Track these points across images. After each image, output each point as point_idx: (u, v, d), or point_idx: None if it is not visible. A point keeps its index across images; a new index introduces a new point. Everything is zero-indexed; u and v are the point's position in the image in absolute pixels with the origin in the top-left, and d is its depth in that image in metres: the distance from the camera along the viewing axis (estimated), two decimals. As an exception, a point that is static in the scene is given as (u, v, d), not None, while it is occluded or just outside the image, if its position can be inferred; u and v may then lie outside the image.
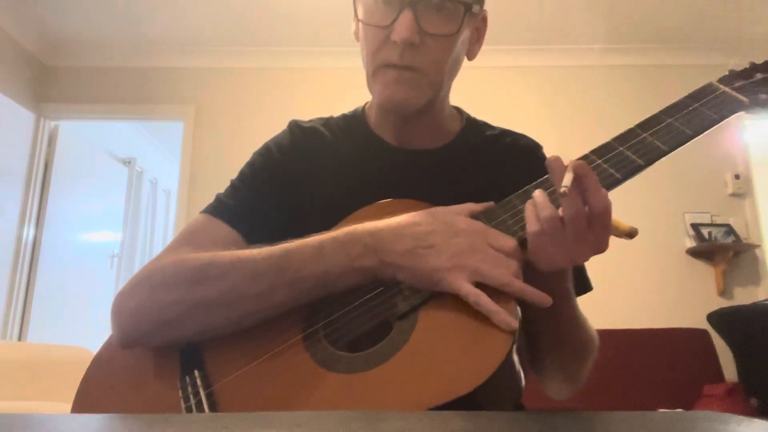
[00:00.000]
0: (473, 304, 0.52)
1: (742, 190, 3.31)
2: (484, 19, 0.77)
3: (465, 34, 0.72)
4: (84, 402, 0.62)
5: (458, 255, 0.54)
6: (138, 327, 0.62)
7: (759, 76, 0.64)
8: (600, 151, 0.59)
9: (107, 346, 0.66)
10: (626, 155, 0.58)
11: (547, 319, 0.63)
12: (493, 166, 0.78)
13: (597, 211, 0.51)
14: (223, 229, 0.71)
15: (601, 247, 0.53)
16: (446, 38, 0.68)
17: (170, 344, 0.62)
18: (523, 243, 0.56)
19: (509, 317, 0.51)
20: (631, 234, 0.55)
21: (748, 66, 0.65)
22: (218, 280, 0.60)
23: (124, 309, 0.63)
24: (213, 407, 0.56)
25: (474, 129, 0.82)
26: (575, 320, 0.66)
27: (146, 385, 0.61)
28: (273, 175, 0.77)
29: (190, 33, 3.49)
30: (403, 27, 0.65)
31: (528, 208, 0.55)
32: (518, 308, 0.54)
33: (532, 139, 0.83)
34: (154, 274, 0.64)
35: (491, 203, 0.60)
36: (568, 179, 0.50)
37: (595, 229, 0.52)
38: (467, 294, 0.52)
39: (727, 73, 0.65)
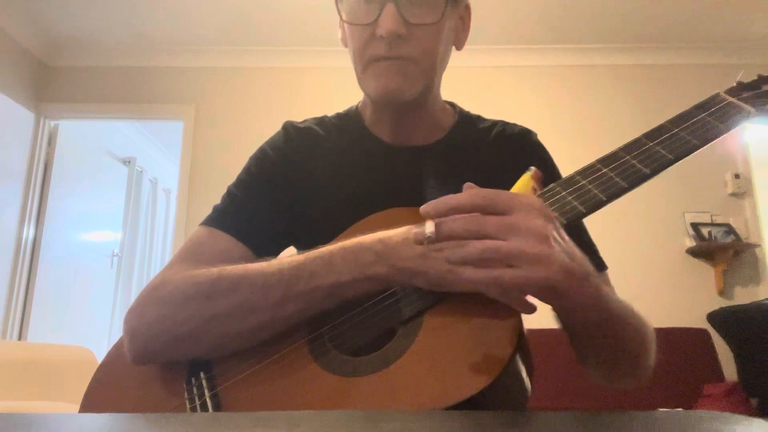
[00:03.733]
0: (495, 295, 0.51)
1: (742, 189, 3.31)
2: (467, 7, 0.78)
3: (450, 22, 0.73)
4: (92, 404, 0.63)
5: (470, 254, 0.54)
6: (150, 345, 0.61)
7: (766, 87, 0.64)
8: (606, 160, 0.60)
9: (116, 349, 0.66)
10: (632, 164, 0.58)
11: (586, 337, 0.58)
12: (487, 158, 0.78)
13: (477, 203, 0.48)
14: (225, 240, 0.71)
15: (539, 211, 0.48)
16: (431, 27, 0.69)
17: (183, 360, 0.62)
18: None
19: (531, 302, 0.52)
20: (535, 176, 0.57)
21: (756, 78, 0.65)
22: (229, 294, 0.59)
23: (135, 328, 0.62)
24: (217, 409, 0.57)
25: (467, 122, 0.82)
26: (617, 331, 0.58)
27: (154, 386, 0.62)
28: (270, 178, 0.77)
29: (190, 33, 3.49)
30: (388, 20, 0.66)
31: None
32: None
33: (523, 127, 0.83)
34: (163, 291, 0.64)
35: None
36: (430, 227, 0.49)
37: (509, 215, 0.47)
38: (487, 287, 0.51)
39: (734, 84, 0.66)
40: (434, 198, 0.63)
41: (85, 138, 3.86)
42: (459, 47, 0.79)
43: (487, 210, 0.48)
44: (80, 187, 3.80)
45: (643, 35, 3.45)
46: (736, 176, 3.32)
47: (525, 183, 0.57)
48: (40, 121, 3.56)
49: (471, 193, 0.49)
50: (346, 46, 0.76)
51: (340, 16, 0.73)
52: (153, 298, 0.64)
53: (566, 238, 0.50)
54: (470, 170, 0.77)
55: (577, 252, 0.51)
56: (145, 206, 4.72)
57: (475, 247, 0.47)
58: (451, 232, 0.49)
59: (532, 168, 0.58)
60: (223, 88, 3.62)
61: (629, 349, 0.61)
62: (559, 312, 0.54)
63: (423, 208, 0.50)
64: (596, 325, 0.54)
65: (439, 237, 0.49)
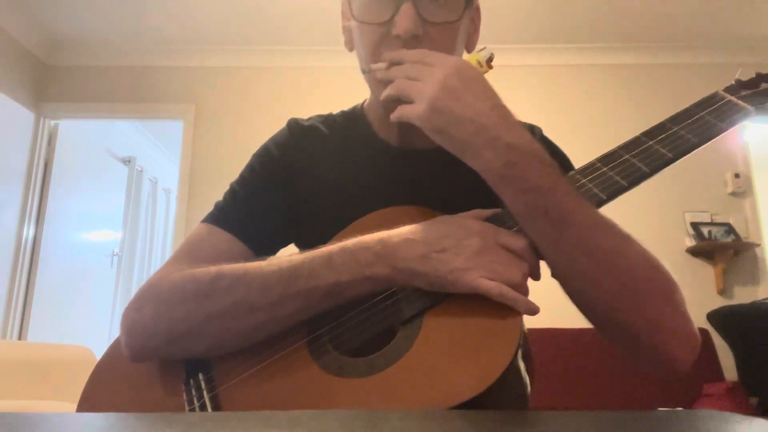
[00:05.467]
0: (497, 297, 0.51)
1: (742, 189, 3.31)
2: (477, 9, 0.76)
3: (465, 23, 0.71)
4: (89, 404, 0.62)
5: (472, 256, 0.53)
6: (147, 342, 0.61)
7: (765, 85, 0.64)
8: (606, 159, 0.59)
9: (113, 349, 0.66)
10: (632, 163, 0.58)
11: (555, 256, 0.55)
12: None
13: (416, 57, 0.59)
14: (226, 239, 0.71)
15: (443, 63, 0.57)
16: (449, 26, 0.67)
17: (181, 358, 0.62)
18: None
19: (533, 304, 0.52)
20: (490, 59, 0.65)
21: (754, 76, 0.65)
22: (228, 293, 0.59)
23: (132, 325, 0.62)
24: (217, 410, 0.56)
25: None
26: (588, 247, 0.53)
27: (152, 387, 0.62)
28: (273, 176, 0.76)
29: (190, 32, 3.48)
30: (406, 19, 0.63)
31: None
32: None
33: (525, 123, 0.80)
34: (161, 289, 0.63)
35: (499, 209, 0.60)
36: (380, 65, 0.63)
37: (429, 67, 0.57)
38: (489, 289, 0.52)
39: (733, 82, 0.65)
40: (435, 202, 0.63)
41: (85, 138, 3.85)
42: (470, 50, 0.77)
43: (421, 62, 0.59)
44: (80, 187, 3.80)
45: (642, 35, 3.45)
46: (736, 176, 3.32)
47: (471, 57, 0.65)
48: (40, 121, 3.55)
49: (416, 50, 0.61)
50: (350, 50, 0.74)
51: (352, 14, 0.70)
52: (151, 295, 0.64)
53: (495, 103, 0.55)
54: (474, 174, 0.76)
55: (518, 128, 0.55)
56: (145, 206, 4.72)
57: (393, 85, 0.60)
58: (389, 74, 0.61)
59: (486, 48, 0.67)
60: (223, 88, 3.61)
61: (624, 276, 0.54)
62: (500, 191, 0.55)
63: (385, 55, 0.63)
64: (552, 220, 0.52)
65: (385, 74, 0.62)
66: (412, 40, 0.64)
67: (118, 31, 3.48)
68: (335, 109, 0.85)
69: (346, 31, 0.75)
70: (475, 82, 0.56)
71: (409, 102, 0.57)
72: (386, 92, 0.61)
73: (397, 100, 0.59)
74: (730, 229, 3.25)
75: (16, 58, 3.41)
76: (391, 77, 0.60)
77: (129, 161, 4.40)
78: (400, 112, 0.58)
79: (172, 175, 4.62)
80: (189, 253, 0.70)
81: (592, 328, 0.59)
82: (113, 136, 4.21)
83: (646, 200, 3.18)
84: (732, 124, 0.59)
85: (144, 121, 4.22)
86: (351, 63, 0.76)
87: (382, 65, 0.63)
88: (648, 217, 3.21)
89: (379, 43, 0.67)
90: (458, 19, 0.67)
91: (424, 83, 0.56)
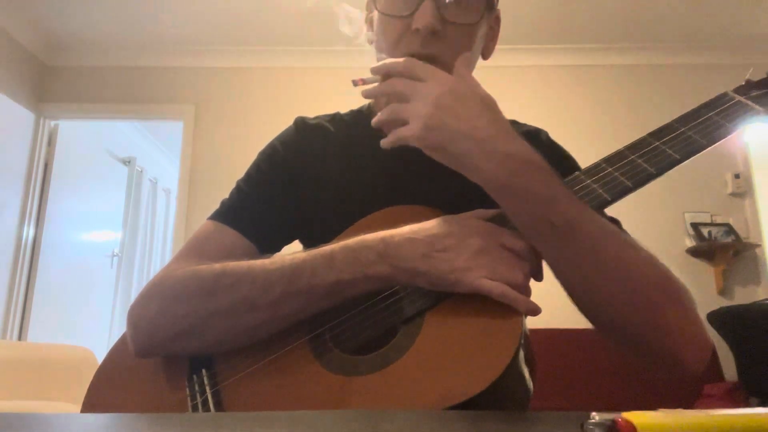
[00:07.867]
0: (498, 297, 0.51)
1: (742, 189, 3.31)
2: (497, 19, 0.77)
3: (484, 28, 0.72)
4: (94, 399, 0.63)
5: (474, 256, 0.54)
6: (152, 339, 0.62)
7: None
8: (611, 160, 0.59)
9: (117, 347, 0.67)
10: (638, 163, 0.57)
11: (563, 268, 0.55)
12: None
13: (400, 70, 0.58)
14: (231, 236, 0.72)
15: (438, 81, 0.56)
16: (467, 28, 0.68)
17: (185, 354, 0.62)
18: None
19: (534, 304, 0.52)
20: None
21: (765, 76, 0.64)
22: (230, 291, 0.60)
23: (138, 321, 0.63)
24: (218, 406, 0.57)
25: None
26: (595, 246, 0.53)
27: (155, 383, 0.63)
28: (279, 175, 0.77)
29: (190, 33, 3.48)
30: (426, 14, 0.65)
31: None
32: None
33: (532, 126, 0.82)
34: (166, 286, 0.65)
35: (501, 210, 0.60)
36: (372, 81, 0.62)
37: (421, 82, 0.56)
38: (491, 289, 0.52)
39: (743, 82, 0.65)
40: (439, 202, 0.63)
41: (85, 138, 3.85)
42: (486, 57, 0.77)
43: (411, 75, 0.57)
44: (80, 187, 3.80)
45: (643, 35, 3.45)
46: (736, 176, 3.32)
47: None
48: (40, 121, 3.55)
49: (407, 59, 0.59)
50: (370, 43, 0.75)
51: (375, 6, 0.72)
52: (156, 292, 0.65)
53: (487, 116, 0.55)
54: None
55: (511, 140, 0.54)
56: (145, 206, 4.71)
57: (386, 109, 0.59)
58: (380, 89, 0.61)
59: None
60: (223, 88, 3.61)
61: (631, 283, 0.53)
62: (504, 203, 0.55)
63: (372, 68, 0.62)
64: (558, 230, 0.51)
65: (376, 90, 0.62)
66: (431, 36, 0.66)
67: (119, 32, 3.48)
68: (335, 110, 0.85)
69: (368, 23, 0.76)
70: (469, 97, 0.55)
71: (404, 124, 0.57)
72: (378, 118, 0.60)
73: (391, 123, 0.59)
74: (730, 230, 3.25)
75: (16, 58, 3.41)
76: (382, 93, 0.61)
77: (129, 161, 4.40)
78: (396, 135, 0.57)
79: (172, 175, 4.62)
80: (195, 249, 0.71)
81: (593, 328, 0.59)
82: (113, 137, 4.21)
83: (646, 200, 3.18)
84: (741, 125, 0.59)
85: (144, 121, 4.22)
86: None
87: (374, 76, 0.62)
88: (648, 218, 3.21)
89: (399, 36, 0.68)
90: (478, 21, 0.68)
91: (417, 102, 0.55)
